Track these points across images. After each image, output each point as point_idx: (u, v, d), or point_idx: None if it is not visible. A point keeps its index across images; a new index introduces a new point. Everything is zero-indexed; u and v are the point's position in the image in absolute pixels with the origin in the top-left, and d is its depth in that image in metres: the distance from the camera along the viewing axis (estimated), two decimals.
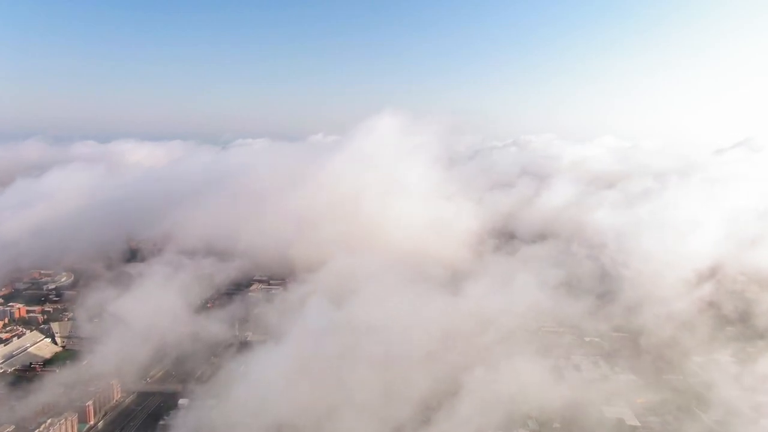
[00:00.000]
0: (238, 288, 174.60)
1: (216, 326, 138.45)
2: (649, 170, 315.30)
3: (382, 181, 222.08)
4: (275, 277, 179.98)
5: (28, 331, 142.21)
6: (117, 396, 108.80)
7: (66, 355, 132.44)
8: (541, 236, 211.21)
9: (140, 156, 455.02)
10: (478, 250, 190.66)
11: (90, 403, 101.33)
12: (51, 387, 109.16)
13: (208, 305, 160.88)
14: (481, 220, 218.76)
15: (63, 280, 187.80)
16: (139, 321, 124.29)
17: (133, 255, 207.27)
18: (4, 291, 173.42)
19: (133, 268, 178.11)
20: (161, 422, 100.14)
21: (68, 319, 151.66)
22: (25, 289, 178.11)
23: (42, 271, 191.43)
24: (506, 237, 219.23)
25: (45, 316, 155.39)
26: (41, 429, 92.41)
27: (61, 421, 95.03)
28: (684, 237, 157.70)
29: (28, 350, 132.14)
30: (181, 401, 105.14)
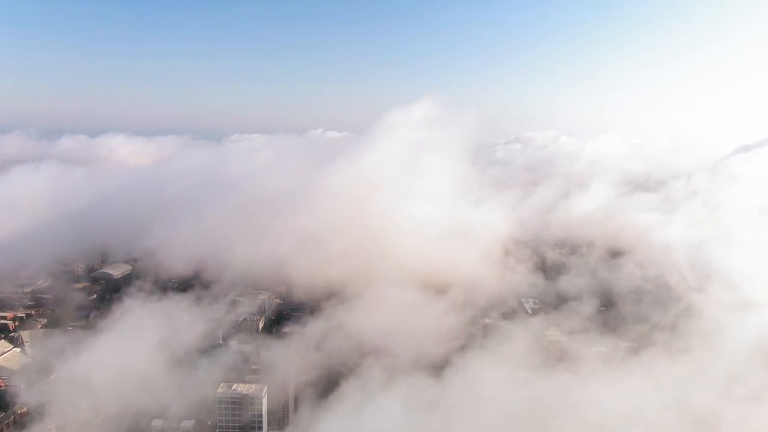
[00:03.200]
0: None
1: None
2: (679, 169, 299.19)
3: (412, 187, 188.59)
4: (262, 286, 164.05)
5: None
6: (85, 416, 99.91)
7: (36, 367, 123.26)
8: (614, 254, 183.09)
9: (127, 152, 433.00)
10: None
11: (52, 426, 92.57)
12: (14, 405, 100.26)
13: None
14: (531, 233, 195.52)
15: (39, 283, 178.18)
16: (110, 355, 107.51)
17: (97, 278, 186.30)
18: None
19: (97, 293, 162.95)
20: None
21: (41, 327, 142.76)
22: None
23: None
24: (560, 252, 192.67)
25: (17, 323, 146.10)
26: None
27: None
28: None
29: None
30: (154, 422, 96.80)
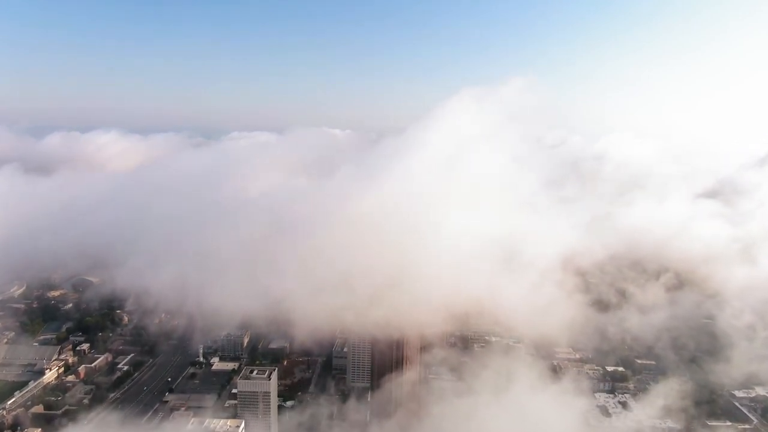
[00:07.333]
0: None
1: None
2: (722, 173, 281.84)
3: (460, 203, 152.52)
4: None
5: None
6: None
7: None
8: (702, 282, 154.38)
9: (115, 151, 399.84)
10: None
11: None
12: None
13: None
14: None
15: (13, 290, 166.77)
16: None
17: (75, 285, 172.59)
18: None
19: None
20: None
21: (6, 342, 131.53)
22: None
23: None
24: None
25: None
26: None
27: None
28: None
29: None
30: None
